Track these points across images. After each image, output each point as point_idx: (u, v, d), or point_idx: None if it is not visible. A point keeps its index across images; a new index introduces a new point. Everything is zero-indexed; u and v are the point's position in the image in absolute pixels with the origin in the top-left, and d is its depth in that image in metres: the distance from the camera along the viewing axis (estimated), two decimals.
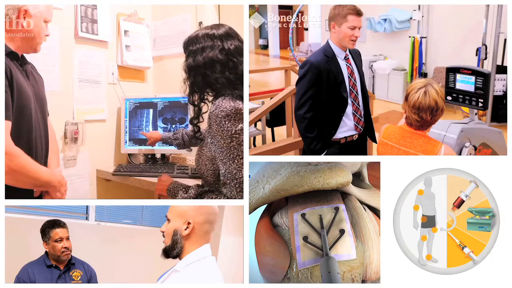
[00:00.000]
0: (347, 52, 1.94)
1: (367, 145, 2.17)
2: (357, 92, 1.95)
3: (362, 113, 1.98)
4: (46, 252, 1.68)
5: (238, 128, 1.36)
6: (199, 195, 1.45)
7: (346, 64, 1.93)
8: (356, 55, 2.00)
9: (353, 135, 1.97)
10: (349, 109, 1.93)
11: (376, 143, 2.08)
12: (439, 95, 1.53)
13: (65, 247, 1.67)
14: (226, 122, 1.35)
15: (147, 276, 1.59)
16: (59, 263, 1.67)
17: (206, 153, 1.45)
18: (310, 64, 1.87)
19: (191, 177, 2.14)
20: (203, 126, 1.55)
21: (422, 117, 1.54)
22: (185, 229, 1.22)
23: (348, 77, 1.92)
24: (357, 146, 2.01)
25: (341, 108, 1.91)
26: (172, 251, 1.23)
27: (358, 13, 1.84)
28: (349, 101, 1.92)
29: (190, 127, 2.06)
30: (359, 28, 1.85)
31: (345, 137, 1.96)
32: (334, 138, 1.94)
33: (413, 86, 1.57)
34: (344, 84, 1.91)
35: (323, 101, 1.88)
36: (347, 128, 1.95)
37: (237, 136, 1.36)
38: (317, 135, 1.89)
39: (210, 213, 1.26)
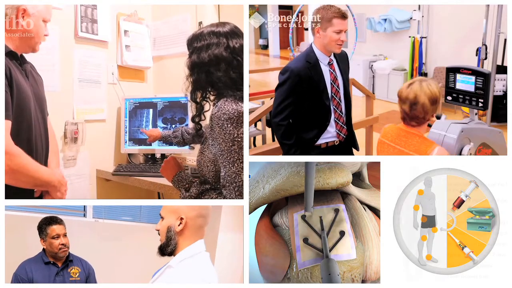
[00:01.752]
0: (331, 57, 1.87)
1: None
2: (339, 99, 1.89)
3: (345, 120, 1.92)
4: (43, 249, 1.68)
5: (240, 131, 1.35)
6: (200, 194, 1.45)
7: (329, 70, 1.86)
8: (342, 59, 1.93)
9: (334, 140, 1.91)
10: (332, 117, 1.87)
11: (358, 150, 2.07)
12: (423, 91, 1.55)
13: (62, 244, 1.66)
14: (229, 126, 1.35)
15: (144, 272, 1.59)
16: (57, 260, 1.67)
17: (207, 155, 1.44)
18: (291, 71, 1.79)
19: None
20: (204, 124, 1.55)
21: (402, 108, 1.60)
22: (178, 225, 1.23)
23: (331, 83, 1.85)
24: (339, 151, 1.94)
25: (324, 117, 1.86)
26: (167, 248, 1.24)
27: (343, 16, 1.78)
28: (332, 108, 1.86)
29: (190, 125, 2.06)
30: (344, 32, 1.79)
31: (326, 143, 1.90)
32: (315, 144, 1.89)
33: (408, 81, 1.64)
34: (326, 91, 1.84)
35: (305, 109, 1.82)
36: (329, 135, 1.89)
37: (239, 140, 1.35)
38: (295, 142, 1.83)
39: (203, 207, 1.27)
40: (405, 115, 1.61)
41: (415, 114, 1.57)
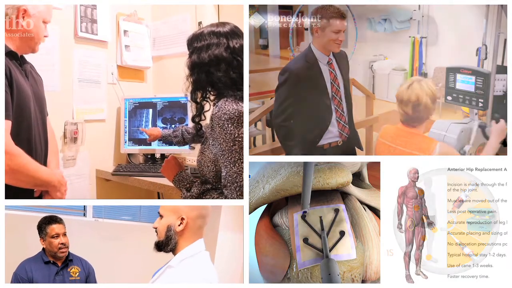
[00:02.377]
0: (331, 56, 1.86)
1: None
2: (340, 98, 1.88)
3: (347, 119, 1.92)
4: (43, 248, 1.68)
5: (241, 131, 1.36)
6: (202, 194, 1.45)
7: (329, 69, 1.86)
8: (341, 58, 1.92)
9: (337, 140, 1.91)
10: (333, 116, 1.87)
11: (362, 150, 2.07)
12: (423, 91, 1.54)
13: (62, 243, 1.66)
14: (229, 125, 1.35)
15: (144, 272, 1.60)
16: (57, 260, 1.67)
17: (208, 155, 1.44)
18: (290, 71, 1.79)
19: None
20: (204, 124, 1.55)
21: (404, 110, 1.58)
22: (179, 225, 1.23)
23: (331, 83, 1.85)
24: (343, 152, 1.93)
25: (325, 116, 1.86)
26: (166, 247, 1.23)
27: (342, 16, 1.78)
28: (333, 108, 1.86)
29: (190, 125, 2.06)
30: (343, 31, 1.79)
31: (329, 143, 1.90)
32: (318, 144, 1.88)
33: (404, 82, 1.62)
34: (326, 91, 1.84)
35: (306, 109, 1.82)
36: (332, 135, 1.89)
37: (239, 139, 1.35)
38: (297, 143, 1.83)
39: (203, 207, 1.27)
40: (406, 117, 1.59)
41: (418, 115, 1.56)
